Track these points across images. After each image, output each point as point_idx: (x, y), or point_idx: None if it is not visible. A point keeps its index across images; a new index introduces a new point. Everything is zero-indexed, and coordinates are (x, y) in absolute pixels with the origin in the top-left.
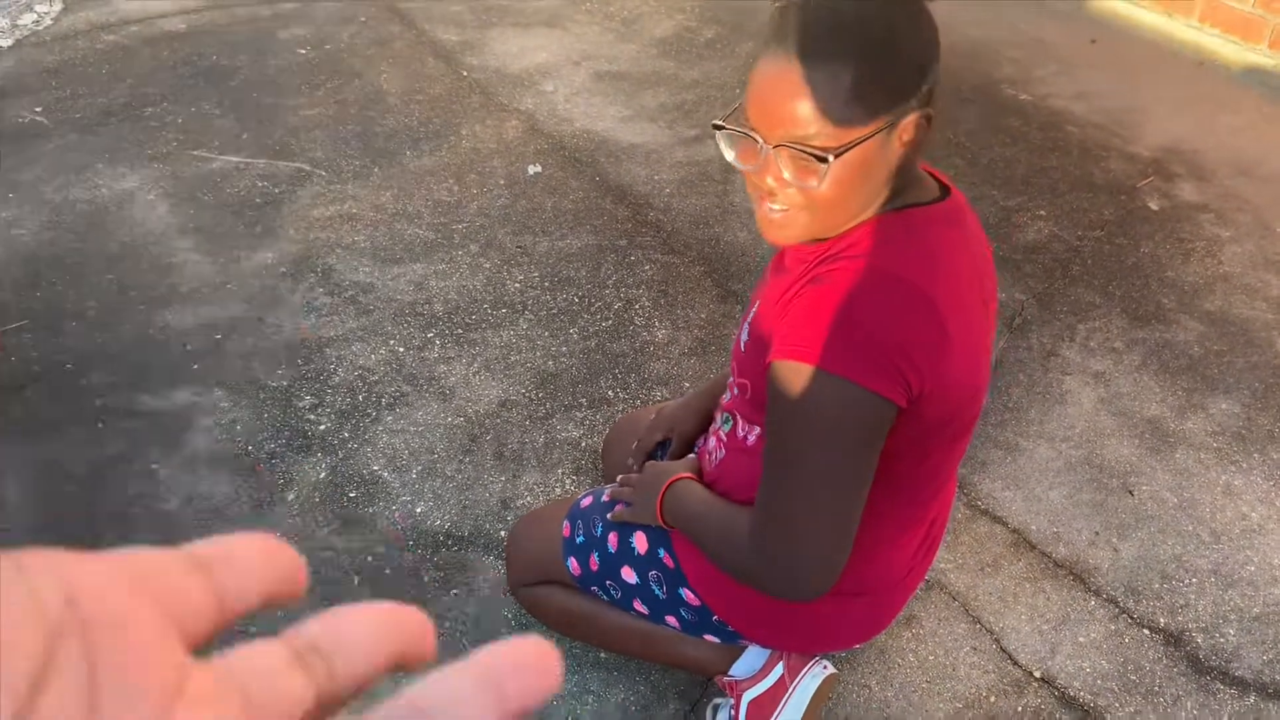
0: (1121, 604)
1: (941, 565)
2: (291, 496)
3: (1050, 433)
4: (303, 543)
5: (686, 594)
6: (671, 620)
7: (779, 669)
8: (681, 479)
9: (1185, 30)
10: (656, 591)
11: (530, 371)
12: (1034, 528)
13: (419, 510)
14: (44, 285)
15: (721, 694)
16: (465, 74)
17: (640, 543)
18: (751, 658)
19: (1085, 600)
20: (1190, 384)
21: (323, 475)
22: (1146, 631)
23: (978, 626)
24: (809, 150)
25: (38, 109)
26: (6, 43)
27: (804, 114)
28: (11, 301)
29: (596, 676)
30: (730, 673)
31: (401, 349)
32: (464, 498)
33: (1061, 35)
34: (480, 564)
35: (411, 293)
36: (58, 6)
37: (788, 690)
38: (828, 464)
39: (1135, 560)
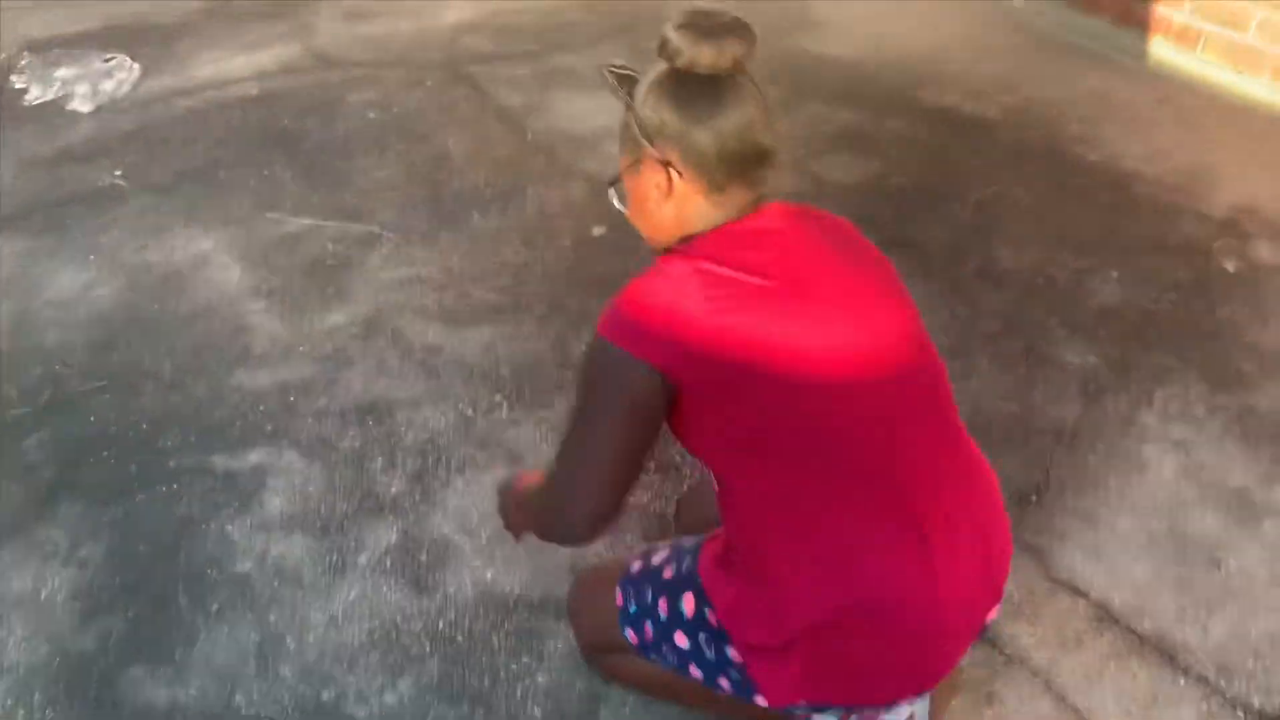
0: (1213, 683)
1: (1022, 641)
2: (363, 560)
3: (1131, 503)
4: (374, 608)
5: (731, 652)
6: (724, 683)
7: None
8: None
9: (1257, 88)
10: (707, 654)
11: None
12: (1117, 602)
13: (489, 575)
14: (121, 346)
15: None
16: (530, 136)
17: (688, 605)
18: None
19: (1175, 679)
20: (1276, 452)
21: (394, 539)
22: (1241, 713)
23: (1062, 704)
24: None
25: (117, 172)
26: (87, 108)
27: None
28: (90, 363)
29: None
30: None
31: (470, 412)
32: (534, 562)
33: (1129, 94)
34: (552, 630)
35: (479, 355)
36: (136, 73)
37: None
38: (592, 418)
39: (1226, 637)
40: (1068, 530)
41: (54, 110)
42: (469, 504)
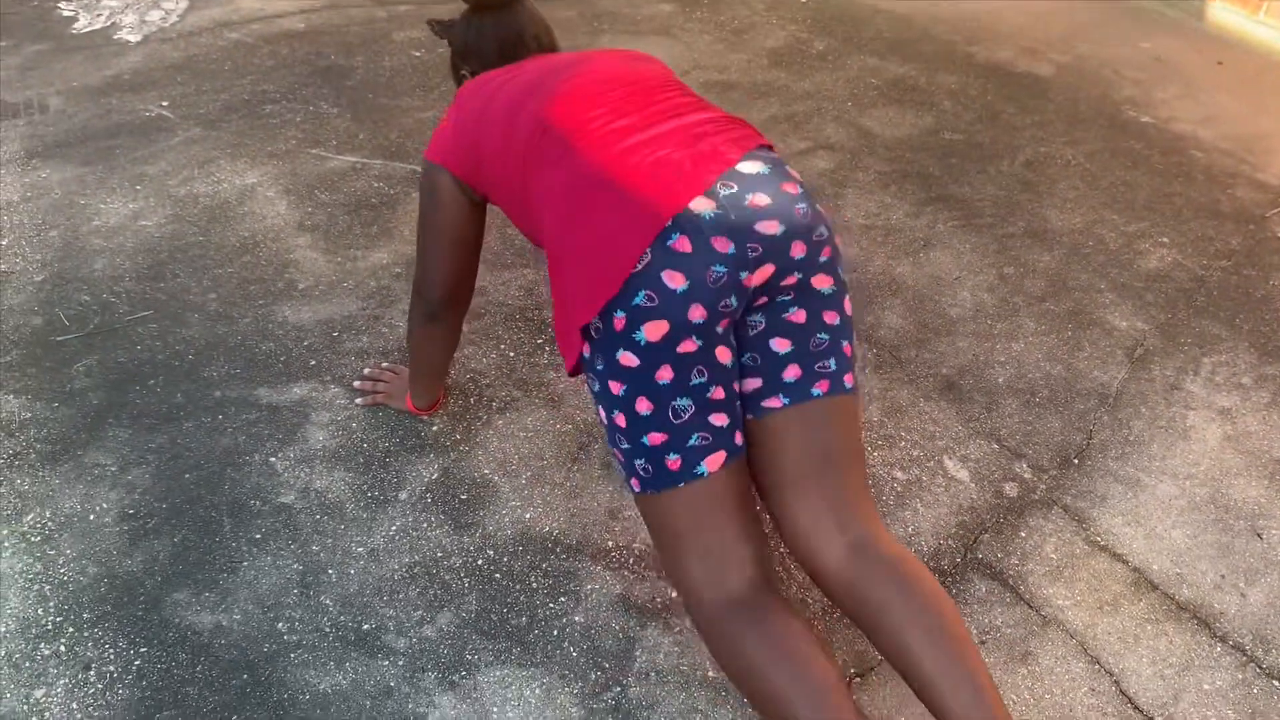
0: (1249, 652)
1: (1059, 602)
2: (404, 495)
3: (1173, 469)
4: (414, 543)
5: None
6: (613, 388)
7: None
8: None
9: None
10: (595, 386)
11: None
12: (1156, 567)
13: (528, 516)
14: (168, 277)
15: None
16: None
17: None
18: None
19: (1211, 646)
20: None
21: (435, 476)
22: (1277, 683)
23: (1096, 667)
24: None
25: (164, 103)
26: (135, 38)
27: None
28: (137, 292)
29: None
30: None
31: (512, 353)
32: (572, 505)
33: (1186, 55)
34: (588, 573)
35: (522, 297)
36: (184, 3)
37: None
38: (425, 215)
39: (1264, 607)
40: (1109, 494)
41: (102, 39)
42: (509, 446)
